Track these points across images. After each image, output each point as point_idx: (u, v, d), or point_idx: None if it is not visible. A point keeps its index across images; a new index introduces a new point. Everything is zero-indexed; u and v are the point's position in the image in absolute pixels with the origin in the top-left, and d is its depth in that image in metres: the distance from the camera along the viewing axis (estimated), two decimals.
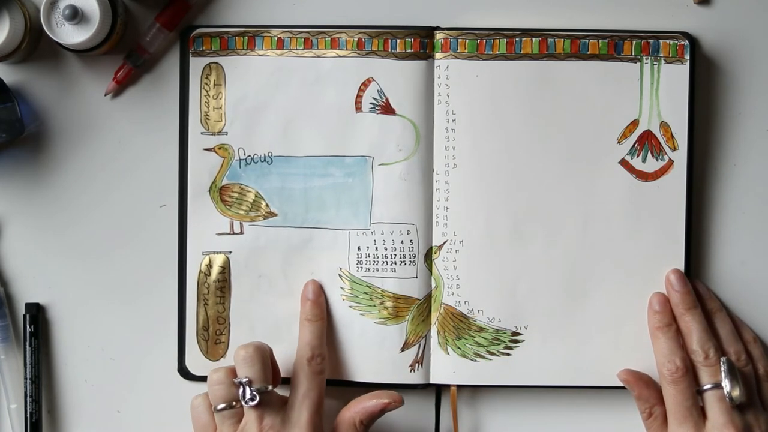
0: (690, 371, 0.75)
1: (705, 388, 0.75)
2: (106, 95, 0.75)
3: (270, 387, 0.73)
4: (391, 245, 0.79)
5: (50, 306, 0.83)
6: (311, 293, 0.78)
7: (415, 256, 0.79)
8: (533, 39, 0.79)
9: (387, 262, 0.79)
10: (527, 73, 0.79)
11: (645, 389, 0.77)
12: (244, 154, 0.80)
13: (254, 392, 0.72)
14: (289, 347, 0.79)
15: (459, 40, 0.79)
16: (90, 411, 0.83)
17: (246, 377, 0.73)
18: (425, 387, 0.80)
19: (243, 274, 0.80)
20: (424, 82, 0.79)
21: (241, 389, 0.73)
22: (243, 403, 0.73)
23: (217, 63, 0.80)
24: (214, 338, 0.80)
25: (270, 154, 0.80)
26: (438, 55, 0.79)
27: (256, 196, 0.80)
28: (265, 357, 0.74)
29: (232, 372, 0.74)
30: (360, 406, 0.76)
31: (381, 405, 0.75)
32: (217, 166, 0.80)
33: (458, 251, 0.79)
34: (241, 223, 0.80)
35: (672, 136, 0.79)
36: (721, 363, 0.74)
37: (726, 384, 0.73)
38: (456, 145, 0.79)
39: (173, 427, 0.83)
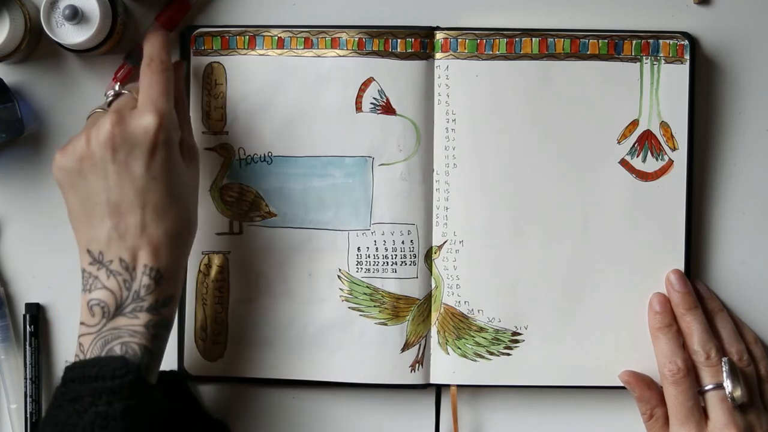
0: (691, 372, 0.75)
1: (707, 388, 0.75)
2: (106, 95, 0.75)
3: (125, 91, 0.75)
4: (392, 245, 0.79)
5: (50, 306, 0.82)
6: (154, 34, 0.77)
7: (415, 257, 0.79)
8: (533, 39, 0.79)
9: (387, 262, 0.79)
10: (527, 73, 0.79)
11: (646, 390, 0.77)
12: (244, 154, 0.80)
13: (116, 92, 0.74)
14: (286, 348, 0.79)
15: (459, 40, 0.79)
16: None
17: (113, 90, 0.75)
18: (425, 387, 0.80)
19: (241, 274, 0.80)
20: (425, 82, 0.79)
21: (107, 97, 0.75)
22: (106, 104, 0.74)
23: (218, 62, 0.80)
24: (212, 339, 0.80)
25: (270, 154, 0.80)
26: (438, 55, 0.79)
27: (255, 196, 0.80)
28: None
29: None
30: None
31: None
32: (217, 165, 0.80)
33: (458, 251, 0.79)
34: (240, 223, 0.80)
35: (672, 136, 0.79)
36: (723, 363, 0.74)
37: (728, 384, 0.73)
38: (456, 145, 0.79)
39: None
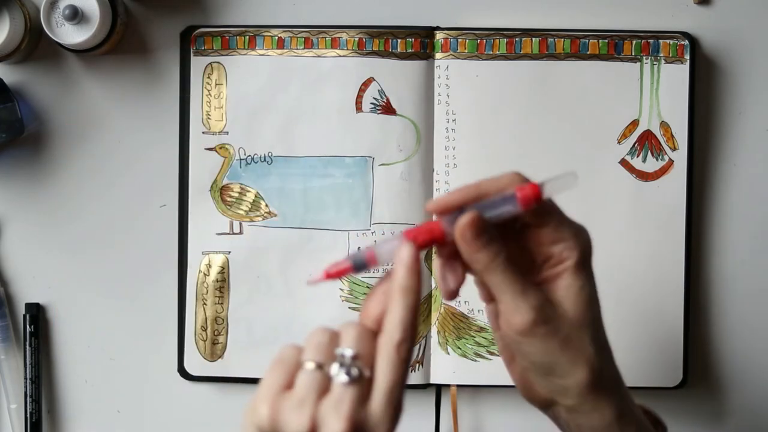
0: None
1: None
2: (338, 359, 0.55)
3: (368, 373, 0.54)
4: None
5: (50, 306, 0.82)
6: (407, 257, 0.54)
7: None
8: (533, 39, 0.79)
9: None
10: (527, 73, 0.79)
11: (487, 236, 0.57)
12: (245, 154, 0.80)
13: (353, 370, 0.53)
14: None
15: (459, 40, 0.79)
16: (90, 411, 0.83)
17: (352, 350, 0.54)
18: (425, 387, 0.80)
19: (242, 274, 0.80)
20: (425, 82, 0.79)
21: (338, 361, 0.54)
22: (333, 374, 0.54)
23: (218, 62, 0.80)
24: (212, 339, 0.80)
25: (270, 154, 0.80)
26: (438, 55, 0.79)
27: (256, 197, 0.80)
28: (371, 332, 0.55)
29: (336, 337, 0.55)
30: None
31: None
32: (217, 165, 0.80)
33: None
34: (240, 223, 0.80)
35: (672, 136, 0.79)
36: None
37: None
38: (456, 145, 0.79)
39: (173, 427, 0.83)
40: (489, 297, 0.59)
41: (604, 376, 0.57)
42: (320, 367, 0.53)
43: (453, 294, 0.57)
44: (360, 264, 0.55)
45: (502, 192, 0.56)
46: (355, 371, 0.53)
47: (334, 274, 0.55)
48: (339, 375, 0.53)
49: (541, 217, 0.57)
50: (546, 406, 0.60)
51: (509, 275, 0.56)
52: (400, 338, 0.53)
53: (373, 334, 0.54)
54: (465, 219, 0.55)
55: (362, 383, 0.53)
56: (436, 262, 0.58)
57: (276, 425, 0.52)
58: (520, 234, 0.58)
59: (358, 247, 0.79)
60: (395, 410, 0.53)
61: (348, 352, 0.53)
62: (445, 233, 0.55)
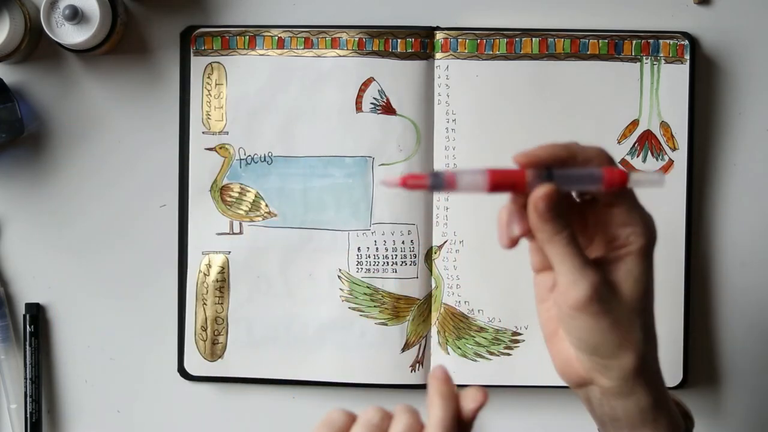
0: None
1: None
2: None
3: None
4: (392, 245, 0.79)
5: (50, 306, 0.82)
6: (440, 372, 0.58)
7: (415, 257, 0.79)
8: (533, 39, 0.79)
9: (388, 262, 0.79)
10: (527, 73, 0.79)
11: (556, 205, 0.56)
12: (245, 154, 0.80)
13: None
14: (286, 348, 0.79)
15: (459, 40, 0.79)
16: (90, 411, 0.83)
17: None
18: (425, 387, 0.80)
19: (242, 274, 0.80)
20: (425, 82, 0.79)
21: None
22: None
23: (218, 62, 0.80)
24: (212, 339, 0.80)
25: (270, 154, 0.80)
26: (438, 55, 0.79)
27: (256, 196, 0.80)
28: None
29: (388, 420, 0.56)
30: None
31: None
32: (217, 165, 0.80)
33: (458, 251, 0.79)
34: (240, 223, 0.80)
35: (672, 136, 0.79)
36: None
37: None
38: (456, 145, 0.79)
39: (173, 427, 0.83)
40: (541, 266, 0.60)
41: (647, 363, 0.58)
42: None
43: (514, 242, 0.57)
44: (438, 184, 0.55)
45: (587, 164, 0.56)
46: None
47: (410, 185, 0.55)
48: None
49: (617, 197, 0.56)
50: (581, 384, 0.60)
51: (571, 249, 0.56)
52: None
53: (422, 426, 0.55)
54: (542, 191, 0.55)
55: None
56: (505, 209, 0.57)
57: None
58: (588, 207, 0.58)
59: (358, 248, 0.79)
60: None
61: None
62: (527, 185, 0.55)
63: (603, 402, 0.59)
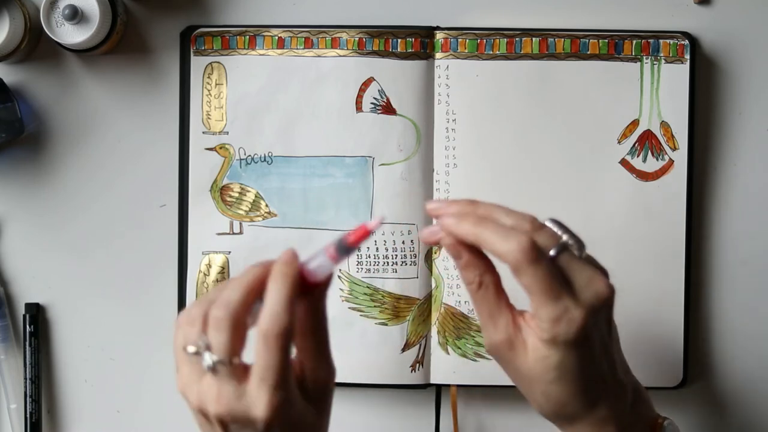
0: None
1: (551, 254, 0.60)
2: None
3: (236, 360, 0.58)
4: (392, 245, 0.79)
5: (50, 306, 0.82)
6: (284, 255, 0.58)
7: (415, 257, 0.79)
8: (533, 39, 0.79)
9: (388, 262, 0.79)
10: (527, 73, 0.79)
11: (474, 256, 0.61)
12: (245, 154, 0.80)
13: (213, 362, 0.57)
14: None
15: (459, 40, 0.79)
16: (90, 411, 0.83)
17: (204, 342, 0.58)
18: (425, 387, 0.80)
19: None
20: (425, 82, 0.79)
21: (204, 351, 0.58)
22: (204, 364, 0.58)
23: (218, 62, 0.80)
24: None
25: (270, 154, 0.80)
26: (438, 55, 0.79)
27: (256, 196, 0.80)
28: (238, 321, 0.58)
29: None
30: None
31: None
32: (217, 165, 0.80)
33: None
34: (240, 223, 0.80)
35: (672, 136, 0.79)
36: (549, 223, 0.61)
37: (567, 239, 0.60)
38: (456, 145, 0.79)
39: (173, 428, 0.83)
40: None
41: (561, 414, 0.61)
42: (197, 353, 0.58)
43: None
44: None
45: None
46: (214, 362, 0.57)
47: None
48: (204, 365, 0.57)
49: (526, 288, 0.59)
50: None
51: (487, 295, 0.62)
52: (266, 328, 0.57)
53: (234, 316, 0.58)
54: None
55: (230, 369, 0.57)
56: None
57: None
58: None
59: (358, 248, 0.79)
60: (271, 392, 0.56)
61: (200, 344, 0.58)
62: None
63: None
